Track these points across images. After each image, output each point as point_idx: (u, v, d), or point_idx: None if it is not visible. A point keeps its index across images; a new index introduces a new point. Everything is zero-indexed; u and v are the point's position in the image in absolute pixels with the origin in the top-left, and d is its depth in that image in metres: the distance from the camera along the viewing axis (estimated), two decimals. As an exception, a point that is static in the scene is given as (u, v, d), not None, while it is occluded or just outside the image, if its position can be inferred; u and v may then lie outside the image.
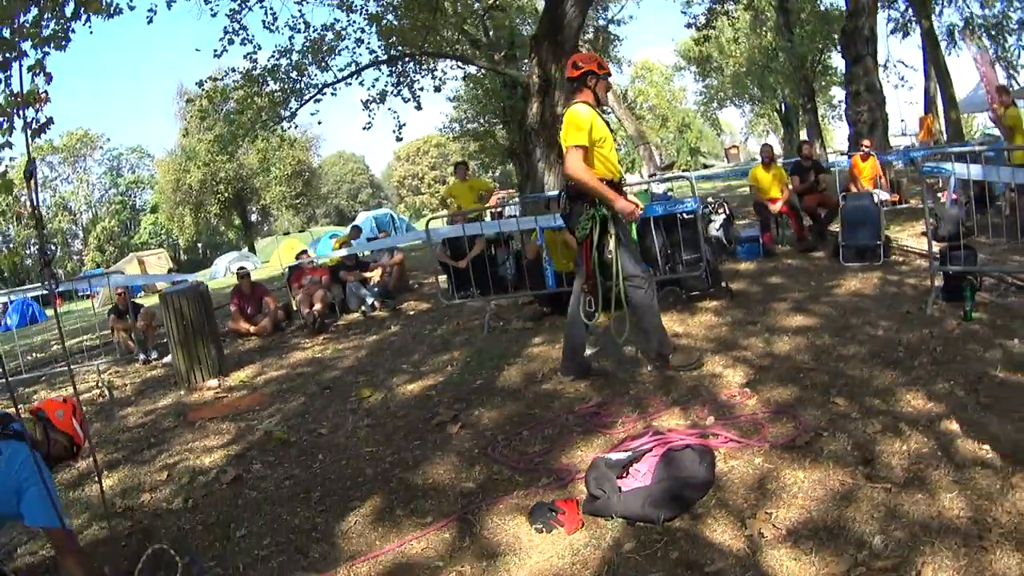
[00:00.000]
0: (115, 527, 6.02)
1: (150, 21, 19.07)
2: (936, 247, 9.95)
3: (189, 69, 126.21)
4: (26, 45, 9.41)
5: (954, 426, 5.32)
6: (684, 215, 11.07)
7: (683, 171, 44.02)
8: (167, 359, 13.31)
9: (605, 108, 7.15)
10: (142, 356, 14.69)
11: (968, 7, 33.19)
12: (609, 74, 7.58)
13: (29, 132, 9.58)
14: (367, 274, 16.41)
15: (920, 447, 5.08)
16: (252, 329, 15.24)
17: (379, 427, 7.62)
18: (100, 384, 12.35)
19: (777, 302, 10.16)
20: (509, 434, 6.68)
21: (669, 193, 14.05)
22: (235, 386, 10.98)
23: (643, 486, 4.92)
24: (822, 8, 37.70)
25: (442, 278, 15.41)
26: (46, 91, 9.54)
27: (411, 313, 14.75)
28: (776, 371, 7.22)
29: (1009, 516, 4.09)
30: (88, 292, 32.45)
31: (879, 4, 35.06)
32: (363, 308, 15.49)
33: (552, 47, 17.55)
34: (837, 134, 69.11)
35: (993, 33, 31.69)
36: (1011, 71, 31.60)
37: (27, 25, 9.33)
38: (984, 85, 25.32)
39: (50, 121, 9.72)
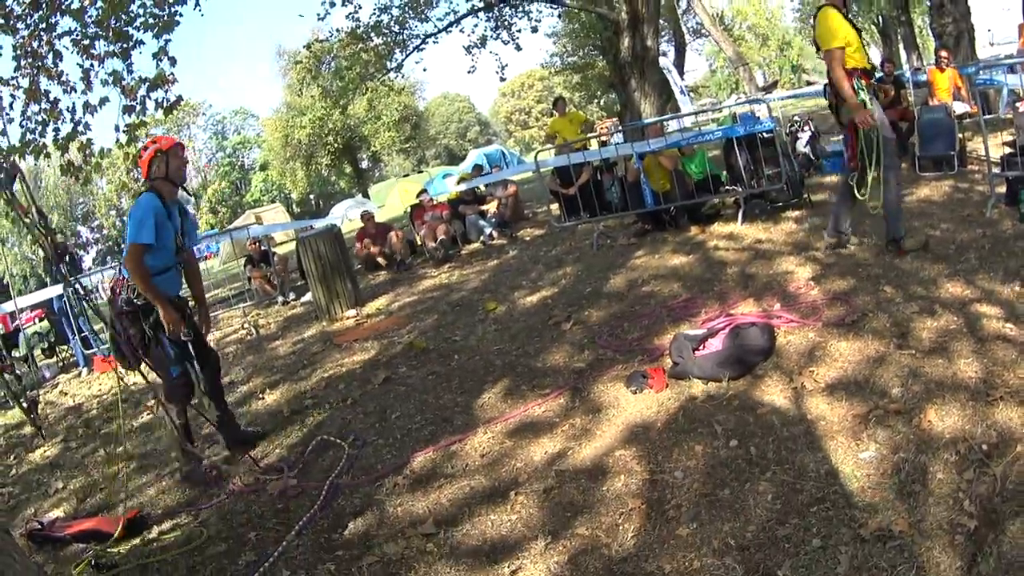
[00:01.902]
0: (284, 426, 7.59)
1: None
2: (997, 154, 10.63)
3: (285, 30, 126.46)
4: (145, 35, 10.69)
5: (984, 308, 6.28)
6: (764, 134, 11.99)
7: (787, 89, 43.96)
8: (306, 297, 14.84)
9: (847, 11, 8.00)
10: (280, 298, 16.26)
11: None
12: None
13: (162, 111, 11.06)
14: (484, 207, 17.69)
15: (949, 324, 6.09)
16: (383, 249, 16.82)
17: (504, 330, 9.04)
18: (247, 324, 13.92)
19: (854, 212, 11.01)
20: (613, 326, 8.12)
21: (755, 114, 14.71)
22: (372, 314, 12.30)
23: (715, 351, 6.21)
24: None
25: (554, 206, 16.62)
26: (172, 73, 10.87)
27: (527, 239, 16.05)
28: (839, 267, 8.31)
29: (1020, 380, 4.98)
30: (206, 253, 33.99)
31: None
32: (483, 238, 16.80)
33: None
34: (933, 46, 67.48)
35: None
36: None
37: (139, 15, 10.59)
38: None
39: (179, 99, 11.11)
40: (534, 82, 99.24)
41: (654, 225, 12.84)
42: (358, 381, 8.40)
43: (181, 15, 11.10)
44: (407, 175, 59.26)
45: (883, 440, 4.63)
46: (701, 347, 6.35)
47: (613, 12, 21.18)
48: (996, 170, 10.28)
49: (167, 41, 10.95)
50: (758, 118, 12.71)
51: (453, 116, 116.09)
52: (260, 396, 8.90)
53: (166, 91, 11.05)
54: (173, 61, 11.04)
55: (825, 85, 8.44)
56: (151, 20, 10.86)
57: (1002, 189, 9.80)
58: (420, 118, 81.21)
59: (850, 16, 8.21)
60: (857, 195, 8.31)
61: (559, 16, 36.55)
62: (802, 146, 15.33)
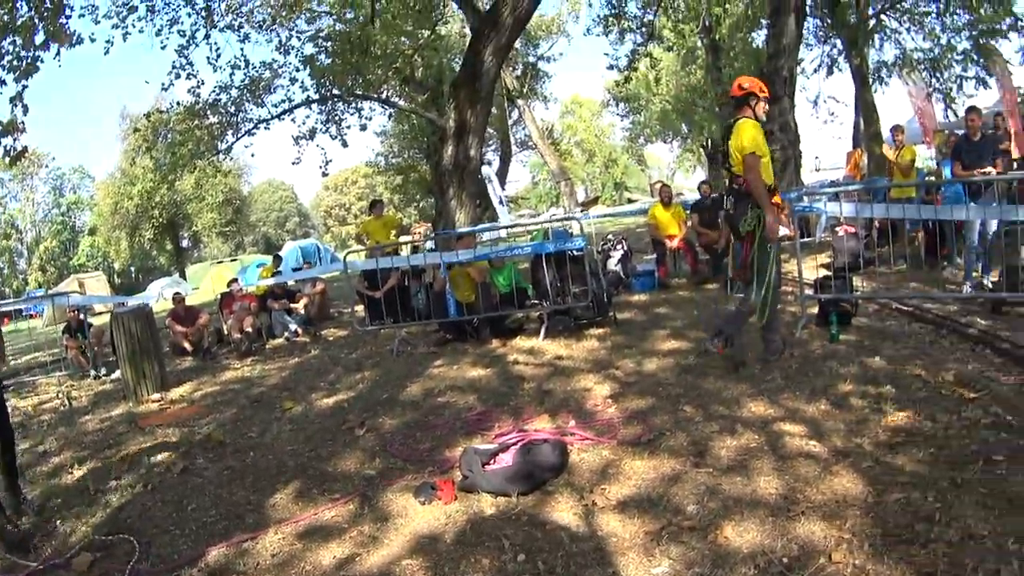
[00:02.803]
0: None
1: (107, 52, 20.87)
2: (812, 276, 11.27)
3: (133, 92, 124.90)
4: (8, 76, 10.48)
5: (787, 426, 6.60)
6: (573, 252, 12.45)
7: (608, 205, 45.32)
8: (116, 374, 14.61)
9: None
10: (92, 372, 16.01)
11: (904, 42, 34.63)
12: (769, 97, 8.87)
13: (8, 159, 10.76)
14: (292, 304, 17.76)
15: (749, 442, 6.35)
16: (189, 336, 16.77)
17: (299, 431, 9.09)
18: (60, 395, 13.70)
19: (658, 329, 11.60)
20: (406, 435, 8.21)
21: (568, 231, 15.16)
22: (176, 400, 12.28)
23: (505, 466, 6.30)
24: (754, 46, 38.68)
25: (360, 307, 16.67)
26: (23, 121, 10.64)
27: (331, 339, 16.30)
28: (639, 386, 8.62)
29: (822, 496, 5.23)
30: (31, 312, 32.95)
31: (806, 43, 36.72)
32: (287, 334, 16.99)
33: (469, 94, 19.09)
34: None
35: (930, 67, 32.62)
36: (948, 102, 32.52)
37: (8, 51, 10.39)
38: (919, 119, 26.81)
39: (25, 149, 10.83)
40: (358, 178, 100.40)
41: (456, 335, 13.09)
42: (159, 468, 8.31)
43: (42, 61, 10.94)
44: (221, 261, 58.77)
45: (676, 556, 4.74)
46: (492, 461, 6.46)
47: (442, 119, 21.89)
48: (809, 292, 10.86)
49: (24, 87, 10.74)
50: (571, 235, 13.02)
51: (275, 204, 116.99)
52: (69, 471, 8.71)
53: (15, 139, 10.81)
54: (26, 109, 10.83)
55: (724, 194, 8.94)
56: (15, 62, 10.67)
57: (814, 310, 10.39)
58: (243, 203, 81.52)
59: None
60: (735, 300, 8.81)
61: (389, 116, 37.14)
62: (614, 264, 15.98)
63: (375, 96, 27.59)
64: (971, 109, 12.89)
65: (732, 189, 8.61)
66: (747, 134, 8.28)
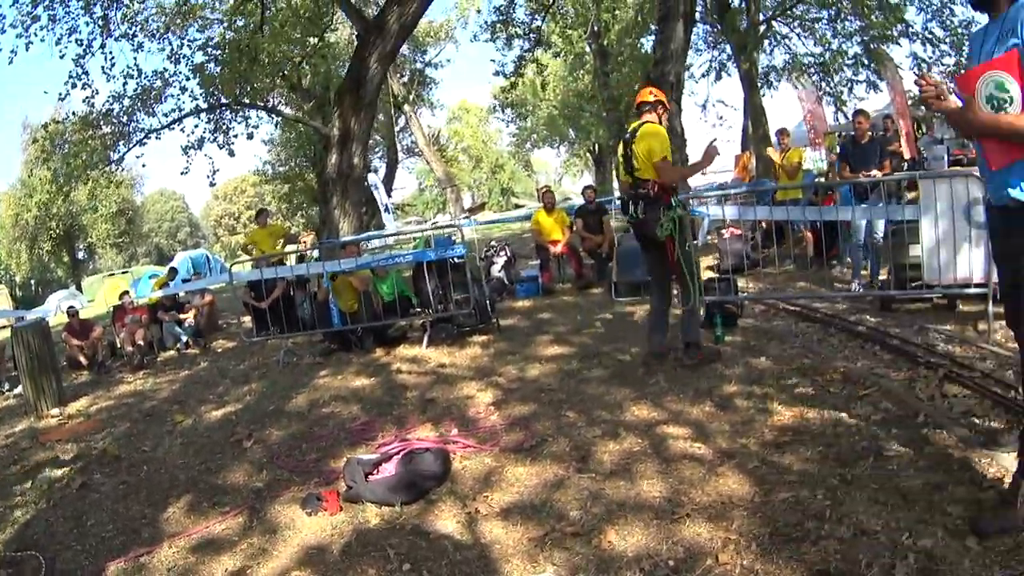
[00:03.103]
0: None
1: (11, 62, 20.63)
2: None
3: (35, 102, 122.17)
4: None
5: (671, 429, 6.60)
6: (455, 259, 12.51)
7: (494, 212, 45.58)
8: (18, 389, 14.26)
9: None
10: None
11: (795, 47, 35.35)
12: (668, 108, 8.99)
13: None
14: (181, 315, 17.56)
15: (633, 446, 6.34)
16: (84, 350, 16.42)
17: (190, 444, 9.00)
18: None
19: (541, 335, 11.64)
20: (292, 446, 8.16)
21: (453, 239, 15.14)
22: (74, 414, 12.08)
23: (388, 476, 6.25)
24: (643, 52, 38.94)
25: (247, 318, 16.50)
26: None
27: (219, 351, 16.18)
28: (521, 392, 8.63)
29: (708, 497, 5.23)
30: None
31: (696, 48, 37.18)
32: (178, 346, 16.90)
33: (354, 101, 18.97)
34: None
35: (821, 71, 33.25)
36: (839, 105, 33.07)
37: None
38: (807, 121, 27.27)
39: None
40: (247, 187, 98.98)
41: (341, 345, 13.04)
42: (59, 483, 8.24)
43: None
44: (114, 273, 57.81)
45: (561, 562, 4.72)
46: (375, 471, 6.39)
47: (326, 127, 21.74)
48: None
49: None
50: (453, 242, 13.01)
51: (167, 214, 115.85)
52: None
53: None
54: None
55: (629, 200, 8.72)
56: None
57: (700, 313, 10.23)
58: (136, 213, 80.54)
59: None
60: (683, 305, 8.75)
61: (276, 125, 36.88)
62: (497, 270, 16.10)
63: (261, 105, 27.52)
64: (858, 112, 13.14)
65: (640, 195, 8.51)
66: (660, 139, 8.29)
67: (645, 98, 8.73)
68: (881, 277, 11.84)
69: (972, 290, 9.07)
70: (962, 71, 4.65)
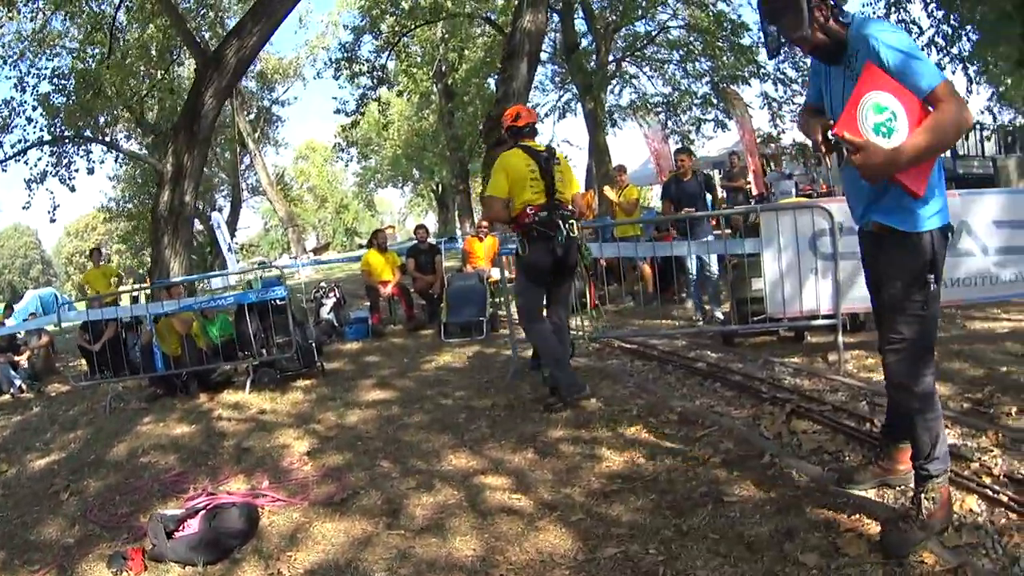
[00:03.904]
0: None
1: None
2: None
3: None
4: None
5: (490, 479, 6.24)
6: (276, 301, 12.13)
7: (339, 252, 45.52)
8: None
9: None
10: None
11: (642, 87, 35.96)
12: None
13: None
14: (16, 357, 16.64)
15: (447, 499, 5.95)
16: None
17: (11, 496, 8.45)
18: None
19: (365, 379, 11.30)
20: (106, 499, 7.63)
21: (279, 278, 14.87)
22: None
23: (191, 534, 5.86)
24: (489, 91, 39.09)
25: (83, 360, 15.98)
26: None
27: (53, 395, 15.34)
28: (338, 440, 8.22)
29: (526, 555, 4.87)
30: None
31: (542, 88, 37.49)
32: (12, 390, 15.89)
33: (188, 137, 18.67)
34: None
35: (668, 109, 33.81)
36: (687, 144, 33.56)
37: None
38: (654, 160, 27.59)
39: None
40: (97, 224, 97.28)
41: (166, 390, 12.50)
42: None
43: None
44: None
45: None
46: (181, 527, 6.01)
47: (160, 163, 21.44)
48: (521, 335, 10.52)
49: None
50: (280, 283, 12.66)
51: (20, 250, 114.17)
52: None
53: None
54: None
55: (561, 219, 8.28)
56: None
57: (528, 353, 10.11)
58: None
59: None
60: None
61: (116, 160, 36.31)
62: (326, 312, 15.85)
63: (100, 139, 27.09)
64: (680, 150, 13.53)
65: (567, 215, 8.25)
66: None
67: (534, 119, 8.62)
68: (723, 310, 11.91)
69: (821, 321, 9.01)
70: (829, 123, 4.40)
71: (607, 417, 7.51)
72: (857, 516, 4.67)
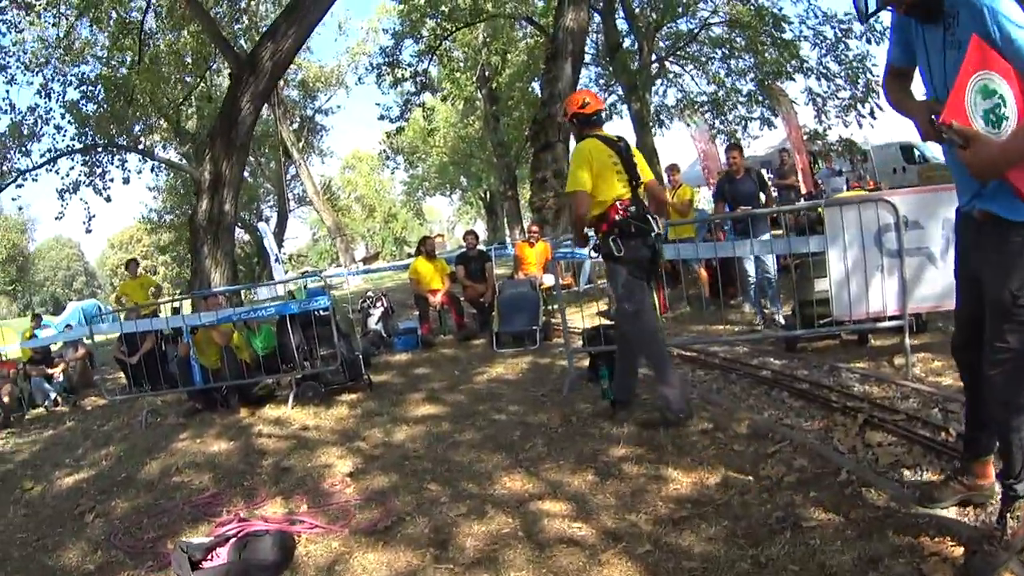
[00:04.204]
0: None
1: None
2: (580, 328, 10.60)
3: None
4: None
5: (547, 505, 5.72)
6: (319, 312, 11.76)
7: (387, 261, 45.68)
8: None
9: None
10: None
11: (687, 87, 35.55)
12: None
13: None
14: (50, 370, 16.52)
15: (501, 527, 5.46)
16: None
17: (33, 516, 8.27)
18: None
19: (414, 392, 10.84)
20: (132, 522, 7.25)
21: (324, 288, 14.63)
22: None
23: (218, 565, 5.38)
24: (534, 95, 38.84)
25: (121, 373, 15.93)
26: None
27: (88, 408, 15.20)
28: (384, 459, 7.73)
29: None
30: None
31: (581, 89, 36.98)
32: (46, 403, 15.86)
33: (225, 144, 18.45)
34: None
35: (714, 109, 33.40)
36: (734, 141, 33.24)
37: None
38: (702, 161, 27.11)
39: None
40: (142, 236, 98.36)
41: (205, 404, 12.14)
42: None
43: None
44: None
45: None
46: (209, 557, 5.50)
47: (198, 171, 21.37)
48: (578, 344, 10.22)
49: None
50: (324, 293, 12.33)
51: (62, 262, 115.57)
52: None
53: None
54: None
55: (648, 214, 7.86)
56: None
57: (584, 363, 9.77)
58: (28, 260, 79.62)
59: None
60: None
61: (152, 169, 36.53)
62: (374, 322, 15.54)
63: (134, 147, 26.88)
64: (732, 147, 13.08)
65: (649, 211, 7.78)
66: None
67: (602, 106, 8.19)
68: (785, 313, 11.55)
69: (887, 323, 8.55)
70: (936, 106, 3.84)
71: (672, 434, 6.98)
72: (940, 538, 4.25)
